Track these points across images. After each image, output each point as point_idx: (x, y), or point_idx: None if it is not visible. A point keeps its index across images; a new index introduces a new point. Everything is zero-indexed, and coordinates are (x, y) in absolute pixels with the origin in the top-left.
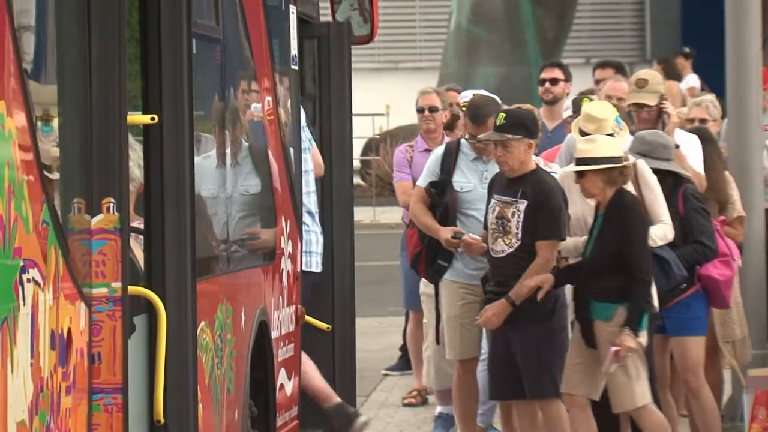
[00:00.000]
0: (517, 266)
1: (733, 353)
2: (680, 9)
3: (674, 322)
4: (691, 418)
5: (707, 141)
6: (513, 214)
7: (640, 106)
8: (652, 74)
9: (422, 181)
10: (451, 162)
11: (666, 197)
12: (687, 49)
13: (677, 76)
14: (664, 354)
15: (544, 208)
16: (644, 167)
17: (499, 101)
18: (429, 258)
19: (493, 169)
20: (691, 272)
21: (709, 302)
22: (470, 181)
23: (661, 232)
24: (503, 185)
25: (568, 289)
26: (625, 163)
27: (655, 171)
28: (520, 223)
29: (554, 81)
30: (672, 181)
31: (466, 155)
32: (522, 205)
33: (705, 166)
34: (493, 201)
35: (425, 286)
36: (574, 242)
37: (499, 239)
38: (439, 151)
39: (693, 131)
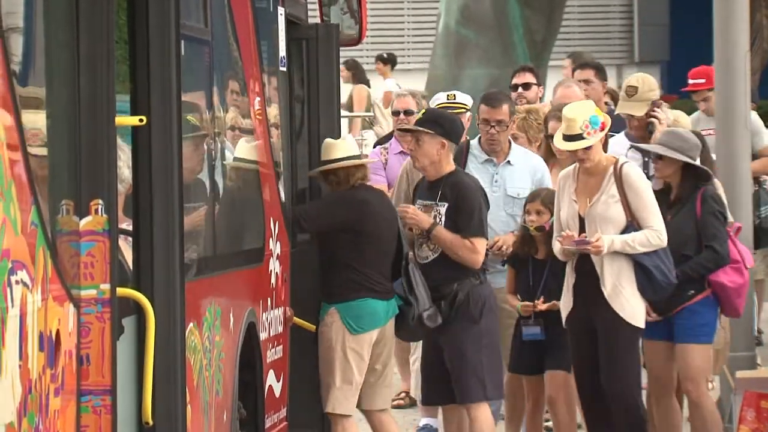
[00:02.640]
0: (445, 268)
1: (716, 357)
2: (669, 11)
3: (680, 329)
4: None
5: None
6: (434, 217)
7: (629, 115)
8: (642, 80)
9: None
10: (461, 164)
11: (685, 199)
12: (386, 55)
13: (366, 81)
14: (671, 361)
15: (464, 207)
16: (630, 170)
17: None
18: None
19: (504, 171)
20: (700, 278)
21: (720, 310)
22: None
23: (643, 238)
24: (425, 189)
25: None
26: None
27: (683, 170)
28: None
29: (527, 86)
30: (693, 183)
31: (476, 157)
32: (442, 208)
33: None
34: (416, 206)
35: None
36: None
37: (424, 245)
38: None
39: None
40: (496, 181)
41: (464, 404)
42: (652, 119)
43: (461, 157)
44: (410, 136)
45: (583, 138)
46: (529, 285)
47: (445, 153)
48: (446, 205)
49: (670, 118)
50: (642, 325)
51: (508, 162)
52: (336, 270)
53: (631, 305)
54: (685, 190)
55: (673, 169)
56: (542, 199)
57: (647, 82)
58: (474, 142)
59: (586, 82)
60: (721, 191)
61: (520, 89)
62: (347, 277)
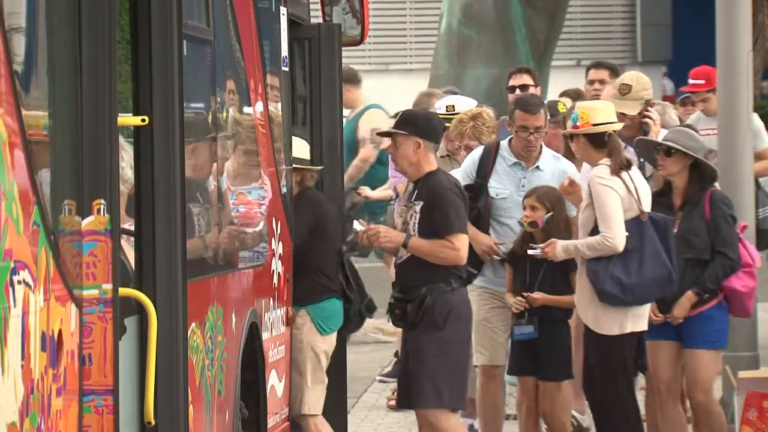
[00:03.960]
0: (417, 270)
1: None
2: (671, 11)
3: (693, 334)
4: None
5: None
6: (411, 216)
7: (622, 113)
8: (637, 79)
9: None
10: (489, 166)
11: (692, 201)
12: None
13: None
14: (677, 363)
15: (437, 206)
16: (595, 173)
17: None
18: None
19: (532, 176)
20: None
21: (729, 311)
22: (506, 187)
23: (593, 243)
24: (409, 191)
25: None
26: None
27: (690, 170)
28: (416, 224)
29: (524, 87)
30: (699, 185)
31: (505, 159)
32: (418, 207)
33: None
34: (401, 207)
35: None
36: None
37: None
38: (477, 153)
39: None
40: (523, 186)
41: (417, 408)
42: (646, 119)
43: (489, 156)
44: (391, 140)
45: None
46: (525, 282)
47: (423, 152)
48: (421, 203)
49: (675, 119)
50: (610, 332)
51: (537, 167)
52: (306, 273)
53: (593, 311)
54: (693, 191)
55: (680, 167)
56: (538, 194)
57: (641, 81)
58: (504, 143)
59: (601, 82)
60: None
61: (517, 91)
62: (315, 279)
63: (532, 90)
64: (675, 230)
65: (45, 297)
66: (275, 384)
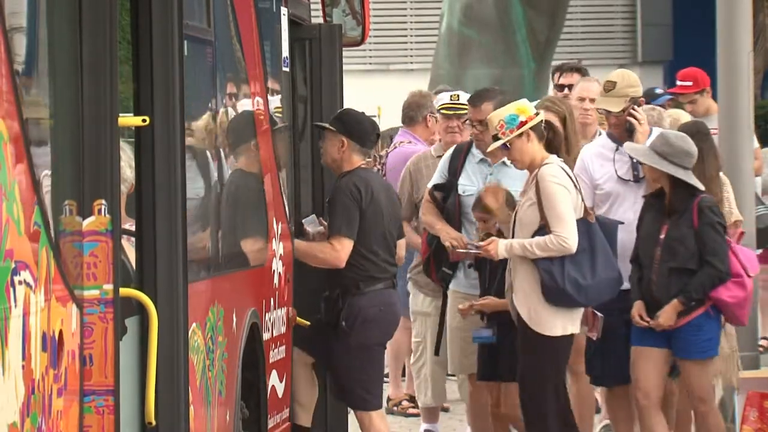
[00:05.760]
0: (330, 272)
1: (718, 369)
2: (672, 11)
3: (684, 343)
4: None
5: (702, 137)
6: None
7: (607, 110)
8: (623, 76)
9: (431, 183)
10: (459, 164)
11: (679, 208)
12: None
13: None
14: (660, 371)
15: (331, 205)
16: (545, 171)
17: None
18: (436, 264)
19: (499, 173)
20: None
21: (724, 319)
22: (474, 184)
23: (543, 243)
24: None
25: None
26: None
27: (671, 179)
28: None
29: (573, 87)
30: (686, 190)
31: (474, 156)
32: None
33: (697, 165)
34: None
35: (418, 305)
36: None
37: None
38: (450, 152)
39: (685, 127)
40: (489, 183)
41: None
42: (630, 118)
43: (460, 154)
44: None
45: (498, 138)
46: (485, 287)
47: (347, 152)
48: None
49: (665, 119)
50: (551, 333)
51: (504, 163)
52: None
53: (536, 311)
54: (679, 198)
55: (659, 173)
56: (480, 208)
57: (626, 78)
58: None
59: (570, 87)
60: (728, 187)
61: (566, 90)
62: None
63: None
64: (662, 236)
65: (46, 297)
66: (276, 384)
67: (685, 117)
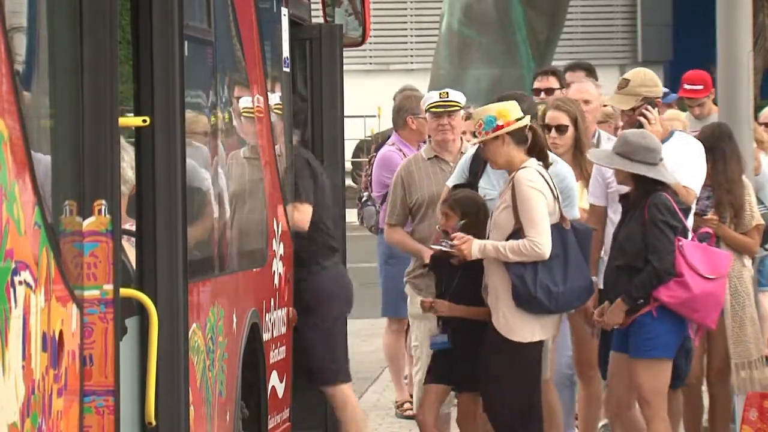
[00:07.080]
0: (301, 252)
1: (749, 375)
2: (672, 11)
3: (631, 343)
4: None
5: (726, 139)
6: None
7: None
8: (637, 75)
9: (451, 182)
10: (480, 165)
11: (636, 205)
12: None
13: None
14: (623, 374)
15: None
16: (521, 175)
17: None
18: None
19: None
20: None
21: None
22: (495, 187)
23: (516, 247)
24: None
25: None
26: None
27: (634, 177)
28: None
29: (549, 91)
30: (644, 188)
31: None
32: None
33: (720, 167)
34: None
35: (416, 308)
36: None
37: None
38: (470, 152)
39: (708, 129)
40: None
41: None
42: (640, 118)
43: (480, 157)
44: None
45: (475, 137)
46: (441, 291)
47: None
48: None
49: (684, 121)
50: (520, 339)
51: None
52: None
53: (505, 315)
54: (636, 195)
55: (623, 174)
56: (450, 202)
57: (641, 77)
58: None
59: (547, 92)
60: (750, 190)
61: (542, 94)
62: None
63: (557, 93)
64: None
65: (46, 297)
66: (276, 385)
67: (683, 117)
